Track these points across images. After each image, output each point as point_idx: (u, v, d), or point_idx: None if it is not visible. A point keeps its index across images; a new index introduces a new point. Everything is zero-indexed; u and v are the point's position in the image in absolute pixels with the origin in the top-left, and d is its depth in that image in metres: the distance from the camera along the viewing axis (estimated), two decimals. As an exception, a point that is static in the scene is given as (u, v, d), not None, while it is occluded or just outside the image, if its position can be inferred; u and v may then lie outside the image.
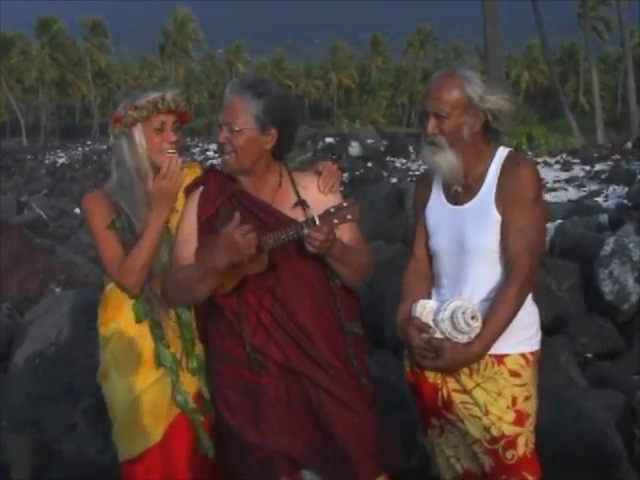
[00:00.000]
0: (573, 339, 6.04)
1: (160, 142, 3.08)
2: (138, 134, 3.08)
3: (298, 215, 2.94)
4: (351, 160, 27.22)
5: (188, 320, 3.13)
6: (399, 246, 9.42)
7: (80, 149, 59.73)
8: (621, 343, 6.17)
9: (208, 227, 2.98)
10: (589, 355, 6.07)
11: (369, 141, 34.32)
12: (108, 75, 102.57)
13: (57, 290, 6.39)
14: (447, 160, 2.92)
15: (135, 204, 3.09)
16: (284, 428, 2.88)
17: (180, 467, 3.12)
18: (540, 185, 2.96)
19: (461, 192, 3.00)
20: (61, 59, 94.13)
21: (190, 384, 3.14)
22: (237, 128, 2.90)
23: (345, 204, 2.82)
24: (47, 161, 48.84)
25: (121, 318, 3.15)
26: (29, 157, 52.83)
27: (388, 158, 31.78)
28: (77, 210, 19.34)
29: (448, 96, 2.89)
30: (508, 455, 2.90)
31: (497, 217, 2.90)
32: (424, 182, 3.19)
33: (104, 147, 57.97)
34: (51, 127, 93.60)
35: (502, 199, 2.90)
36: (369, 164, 28.08)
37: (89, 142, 68.95)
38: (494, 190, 2.92)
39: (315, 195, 3.01)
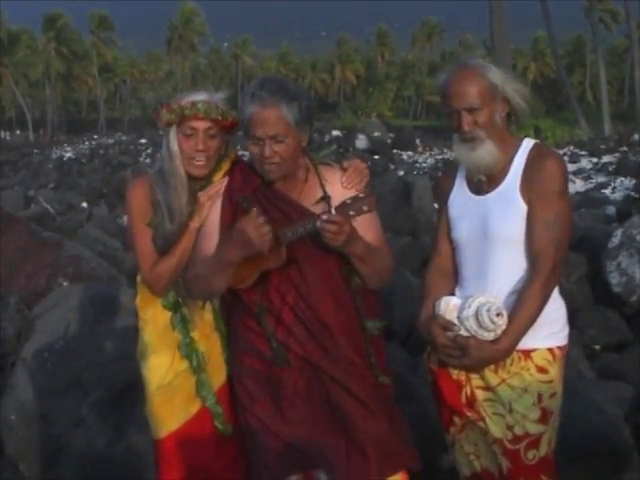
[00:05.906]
0: (581, 331, 6.04)
1: (189, 149, 2.99)
2: (172, 135, 3.01)
3: (322, 210, 2.86)
4: (358, 153, 27.20)
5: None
6: (407, 239, 9.44)
7: (87, 143, 59.67)
8: (629, 335, 6.16)
9: (231, 220, 2.93)
10: (597, 347, 6.06)
11: (376, 134, 34.34)
12: (114, 69, 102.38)
13: (65, 284, 6.39)
14: (488, 151, 2.86)
15: (170, 198, 3.04)
16: (301, 422, 2.88)
17: (209, 448, 3.17)
18: (566, 178, 2.90)
19: (485, 181, 2.95)
20: (67, 53, 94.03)
21: (219, 374, 3.18)
22: (283, 139, 2.82)
23: (361, 195, 2.77)
24: (54, 155, 48.82)
25: (157, 305, 3.18)
26: (36, 151, 52.88)
27: (395, 151, 31.80)
28: (84, 204, 19.39)
29: (476, 88, 2.83)
30: (530, 455, 2.85)
31: (522, 205, 2.85)
32: (447, 175, 3.15)
33: (110, 141, 58.05)
34: (57, 121, 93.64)
35: (527, 190, 2.85)
36: (376, 157, 28.08)
37: (95, 136, 68.95)
38: (519, 180, 2.87)
39: (340, 191, 2.93)
